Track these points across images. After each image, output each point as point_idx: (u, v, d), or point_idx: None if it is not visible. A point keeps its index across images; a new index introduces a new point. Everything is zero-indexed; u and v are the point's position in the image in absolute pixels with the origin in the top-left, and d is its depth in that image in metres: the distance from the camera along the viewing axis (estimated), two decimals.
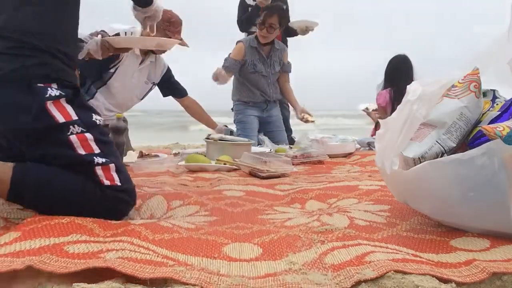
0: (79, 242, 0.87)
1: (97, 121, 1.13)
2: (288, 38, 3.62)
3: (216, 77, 2.93)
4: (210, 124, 2.90)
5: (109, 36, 1.55)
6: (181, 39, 2.42)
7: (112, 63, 2.41)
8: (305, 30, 3.41)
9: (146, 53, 2.52)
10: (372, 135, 3.63)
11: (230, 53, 3.14)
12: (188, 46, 2.48)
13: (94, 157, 1.09)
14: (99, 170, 1.10)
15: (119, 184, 1.12)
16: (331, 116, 19.41)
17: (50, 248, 0.83)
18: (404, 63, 3.53)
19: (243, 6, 3.53)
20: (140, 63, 2.51)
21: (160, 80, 2.69)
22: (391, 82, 3.50)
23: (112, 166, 1.12)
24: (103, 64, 2.39)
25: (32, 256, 0.78)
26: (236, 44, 3.15)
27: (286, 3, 3.58)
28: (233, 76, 3.24)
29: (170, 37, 2.39)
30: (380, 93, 3.57)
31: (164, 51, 2.50)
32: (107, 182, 1.10)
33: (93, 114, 1.13)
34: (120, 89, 2.50)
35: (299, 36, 3.53)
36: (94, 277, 0.73)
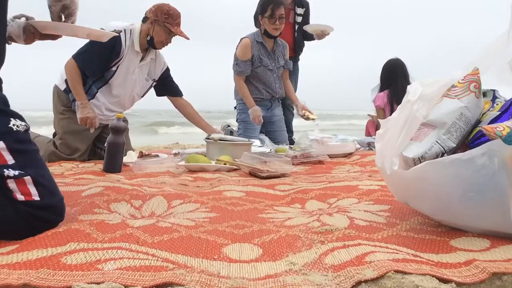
0: (77, 251, 0.86)
1: (15, 127, 1.00)
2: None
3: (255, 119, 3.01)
4: (202, 126, 2.80)
5: (34, 20, 1.38)
6: (180, 32, 2.42)
7: (113, 62, 2.41)
8: (321, 35, 3.41)
9: (146, 49, 2.52)
10: (366, 134, 3.66)
11: (235, 54, 3.11)
12: (188, 38, 2.47)
13: (5, 170, 0.96)
14: (11, 184, 0.97)
15: (37, 199, 0.99)
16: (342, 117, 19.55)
17: (47, 260, 0.82)
18: (399, 65, 3.64)
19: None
20: (141, 60, 2.51)
21: (158, 78, 2.68)
22: (388, 85, 3.57)
23: (27, 179, 0.98)
24: (105, 63, 2.39)
25: (28, 269, 0.77)
26: (241, 41, 3.12)
27: (307, 7, 3.59)
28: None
29: (170, 30, 2.39)
30: (378, 95, 3.63)
31: (159, 45, 2.48)
32: (21, 198, 0.98)
33: (11, 119, 1.01)
34: (121, 87, 2.49)
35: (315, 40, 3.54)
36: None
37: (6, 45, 1.24)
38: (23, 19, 1.35)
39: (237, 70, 3.09)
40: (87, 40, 2.39)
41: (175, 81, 2.78)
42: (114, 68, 2.42)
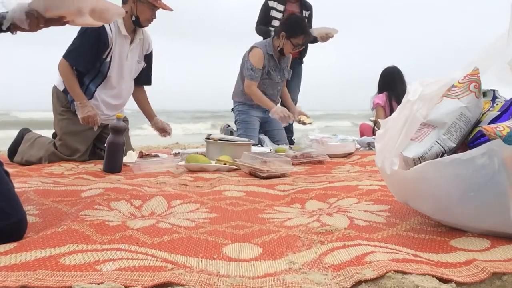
0: (76, 252, 0.86)
1: None
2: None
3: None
4: (149, 115, 2.77)
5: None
6: (165, 5, 2.41)
7: (104, 52, 2.38)
8: (326, 37, 3.43)
9: (134, 31, 2.50)
10: (361, 135, 3.69)
11: (249, 61, 3.08)
12: (171, 9, 2.45)
13: None
14: None
15: None
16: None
17: (45, 260, 0.81)
18: (396, 72, 3.71)
19: (266, 8, 3.51)
20: (131, 43, 2.49)
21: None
22: (386, 91, 3.65)
23: None
24: (95, 55, 2.36)
25: (26, 270, 0.77)
26: (253, 50, 3.11)
27: (311, 10, 3.61)
28: (237, 78, 3.26)
29: (154, 5, 2.37)
30: (377, 96, 3.68)
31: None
32: None
33: None
34: (119, 75, 2.48)
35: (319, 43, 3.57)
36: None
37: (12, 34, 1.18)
38: (25, 3, 1.24)
39: (252, 75, 3.06)
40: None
41: (151, 70, 2.72)
42: (108, 59, 2.40)
